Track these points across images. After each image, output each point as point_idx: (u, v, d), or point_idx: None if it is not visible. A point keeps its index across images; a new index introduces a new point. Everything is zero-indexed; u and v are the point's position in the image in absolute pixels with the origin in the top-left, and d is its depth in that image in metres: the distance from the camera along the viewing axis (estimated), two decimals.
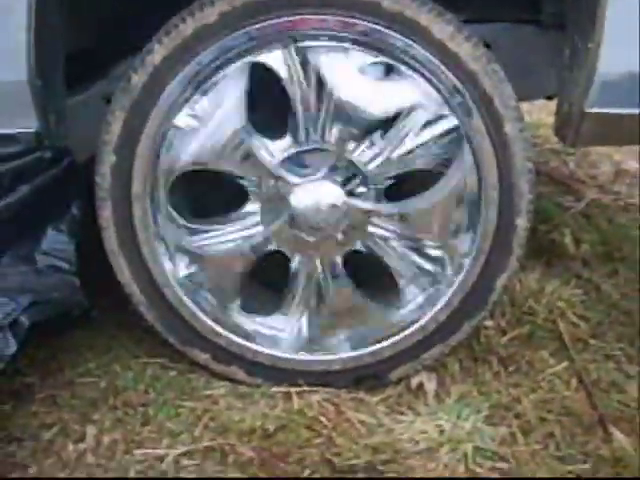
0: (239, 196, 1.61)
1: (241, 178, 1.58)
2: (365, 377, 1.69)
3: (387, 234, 1.60)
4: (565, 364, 1.78)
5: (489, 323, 1.85)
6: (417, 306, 1.65)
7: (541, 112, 2.86)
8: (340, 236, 1.60)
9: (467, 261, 1.61)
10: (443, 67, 1.50)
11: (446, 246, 1.61)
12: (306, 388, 1.67)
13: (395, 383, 1.70)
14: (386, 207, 1.59)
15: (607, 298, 2.02)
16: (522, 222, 1.59)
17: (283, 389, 1.67)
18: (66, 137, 1.63)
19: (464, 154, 1.55)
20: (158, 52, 1.50)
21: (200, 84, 1.52)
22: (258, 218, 1.60)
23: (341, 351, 1.67)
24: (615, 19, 1.44)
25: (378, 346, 1.66)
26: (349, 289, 1.65)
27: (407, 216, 1.60)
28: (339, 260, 1.62)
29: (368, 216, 1.58)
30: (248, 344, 1.67)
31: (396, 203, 1.60)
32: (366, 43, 1.49)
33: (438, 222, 1.60)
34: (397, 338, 1.66)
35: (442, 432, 1.58)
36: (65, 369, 1.73)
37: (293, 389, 1.67)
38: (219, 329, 1.66)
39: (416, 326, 1.65)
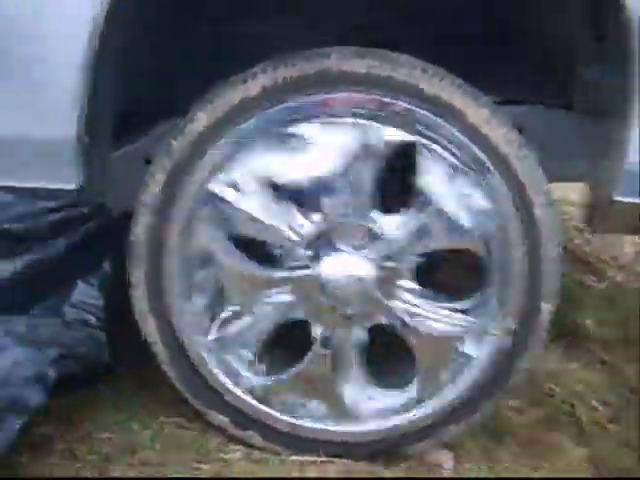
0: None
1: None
2: (382, 451, 1.68)
3: (414, 311, 1.61)
4: (582, 449, 1.77)
5: (507, 403, 1.84)
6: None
7: (566, 189, 2.86)
8: (366, 310, 1.61)
9: (490, 340, 1.62)
10: (476, 149, 1.53)
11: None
12: (322, 458, 1.66)
13: (412, 458, 1.70)
14: (416, 286, 1.60)
15: (627, 382, 2.01)
16: (548, 306, 1.60)
17: (299, 458, 1.67)
18: (105, 193, 1.66)
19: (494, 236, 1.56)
20: (200, 120, 1.55)
21: (239, 152, 1.55)
22: (287, 285, 1.61)
23: (360, 423, 1.67)
24: None
25: (397, 420, 1.66)
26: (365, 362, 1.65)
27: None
28: (364, 332, 1.63)
29: (396, 292, 1.60)
30: (268, 410, 1.67)
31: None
32: (400, 123, 1.52)
33: None
34: (416, 413, 1.65)
35: None
36: (85, 423, 1.73)
37: (309, 458, 1.66)
38: (240, 393, 1.66)
39: (436, 402, 1.65)
